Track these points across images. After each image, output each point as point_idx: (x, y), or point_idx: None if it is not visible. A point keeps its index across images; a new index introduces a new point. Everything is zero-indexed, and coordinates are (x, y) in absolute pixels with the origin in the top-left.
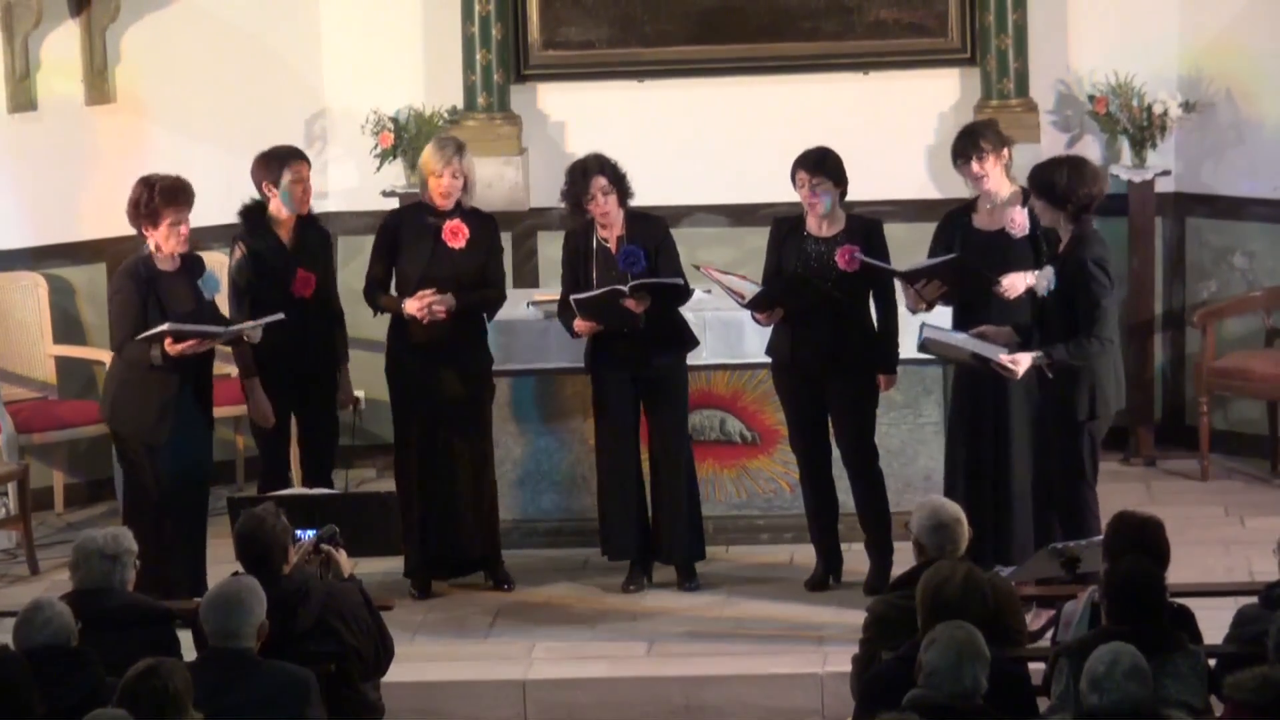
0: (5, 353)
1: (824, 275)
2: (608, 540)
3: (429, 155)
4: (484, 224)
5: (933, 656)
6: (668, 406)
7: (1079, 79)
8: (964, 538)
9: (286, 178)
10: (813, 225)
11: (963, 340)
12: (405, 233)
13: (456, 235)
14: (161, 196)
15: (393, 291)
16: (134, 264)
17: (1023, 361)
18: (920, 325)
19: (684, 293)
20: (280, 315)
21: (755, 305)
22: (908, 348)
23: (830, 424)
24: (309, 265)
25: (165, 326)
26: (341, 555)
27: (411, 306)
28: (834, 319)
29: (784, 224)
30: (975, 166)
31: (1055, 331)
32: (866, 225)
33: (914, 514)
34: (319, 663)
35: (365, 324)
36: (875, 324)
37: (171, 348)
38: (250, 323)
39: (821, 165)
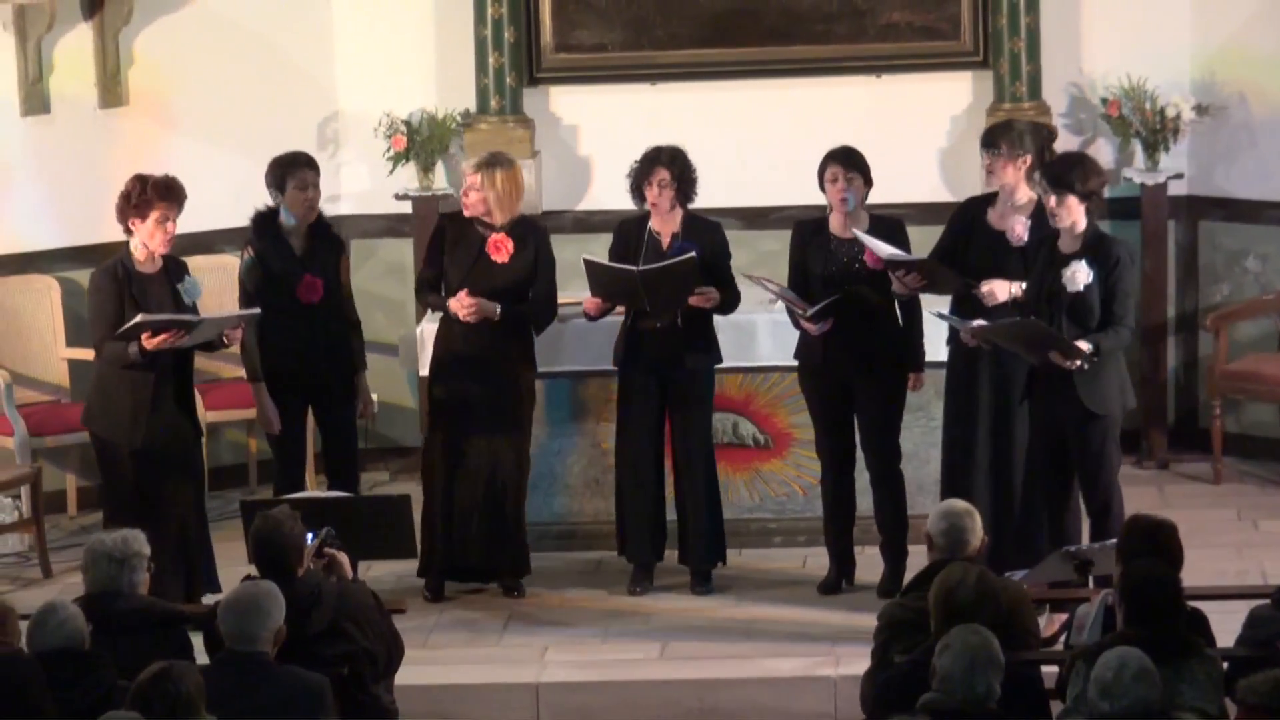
0: (18, 355)
1: (853, 276)
2: (625, 541)
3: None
4: (529, 238)
5: (946, 662)
6: (691, 411)
7: (1092, 82)
8: (974, 531)
9: (289, 186)
10: (836, 226)
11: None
12: (453, 239)
13: (500, 249)
14: (154, 190)
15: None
16: (112, 263)
17: (1083, 349)
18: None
19: (729, 299)
20: (257, 310)
21: (820, 316)
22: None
23: (856, 425)
24: (317, 271)
25: (140, 318)
26: (342, 557)
27: (454, 305)
28: (866, 320)
29: (805, 227)
30: (985, 159)
31: (1092, 326)
32: (889, 225)
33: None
34: (332, 665)
35: (378, 329)
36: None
37: (149, 341)
38: (225, 314)
39: (853, 159)
